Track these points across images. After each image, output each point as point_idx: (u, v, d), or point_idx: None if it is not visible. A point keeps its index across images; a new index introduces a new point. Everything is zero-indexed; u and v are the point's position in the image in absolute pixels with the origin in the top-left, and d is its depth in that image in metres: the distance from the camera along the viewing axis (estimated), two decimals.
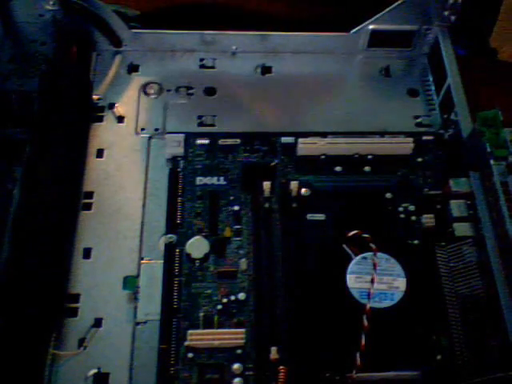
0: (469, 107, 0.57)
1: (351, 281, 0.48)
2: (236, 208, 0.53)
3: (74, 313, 0.49)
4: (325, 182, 0.54)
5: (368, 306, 0.47)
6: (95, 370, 0.47)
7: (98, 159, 0.57)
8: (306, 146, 0.55)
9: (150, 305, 0.49)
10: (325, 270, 0.49)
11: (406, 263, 0.49)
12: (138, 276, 0.51)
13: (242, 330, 0.47)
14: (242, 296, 0.49)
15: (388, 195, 0.54)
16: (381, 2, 0.62)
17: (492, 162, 0.51)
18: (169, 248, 0.51)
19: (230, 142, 0.56)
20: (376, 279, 0.48)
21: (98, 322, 0.49)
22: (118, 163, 0.57)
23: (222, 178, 0.55)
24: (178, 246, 0.51)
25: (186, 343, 0.47)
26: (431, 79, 0.64)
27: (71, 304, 0.50)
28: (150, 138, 0.58)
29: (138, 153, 0.57)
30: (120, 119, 0.60)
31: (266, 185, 0.54)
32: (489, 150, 0.51)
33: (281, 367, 0.46)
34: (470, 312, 0.48)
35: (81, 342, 0.48)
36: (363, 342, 0.45)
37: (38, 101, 0.53)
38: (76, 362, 0.47)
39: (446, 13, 0.61)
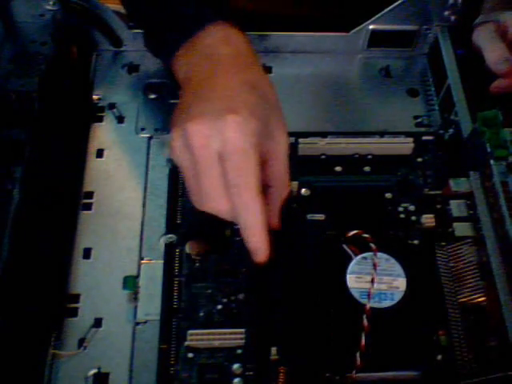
0: (469, 107, 0.57)
1: (351, 281, 0.48)
2: None
3: (74, 313, 0.49)
4: (325, 182, 0.54)
5: (368, 306, 0.47)
6: (95, 370, 0.47)
7: (98, 159, 0.57)
8: (306, 146, 0.55)
9: (150, 305, 0.49)
10: (325, 269, 0.49)
11: (406, 263, 0.49)
12: (138, 276, 0.51)
13: (242, 330, 0.47)
14: (242, 296, 0.49)
15: (388, 195, 0.54)
16: (381, 2, 0.62)
17: (492, 161, 0.51)
18: (169, 248, 0.51)
19: None
20: (376, 279, 0.48)
21: (98, 322, 0.49)
22: (118, 163, 0.57)
23: None
24: (178, 245, 0.51)
25: (186, 343, 0.47)
26: (431, 79, 0.64)
27: (71, 304, 0.50)
28: (150, 138, 0.58)
29: (138, 153, 0.57)
30: (120, 119, 0.60)
31: None
32: (489, 150, 0.51)
33: (281, 367, 0.46)
34: (470, 312, 0.48)
35: (81, 342, 0.48)
36: (363, 342, 0.45)
37: (38, 101, 0.53)
38: (76, 362, 0.47)
39: (446, 13, 0.61)
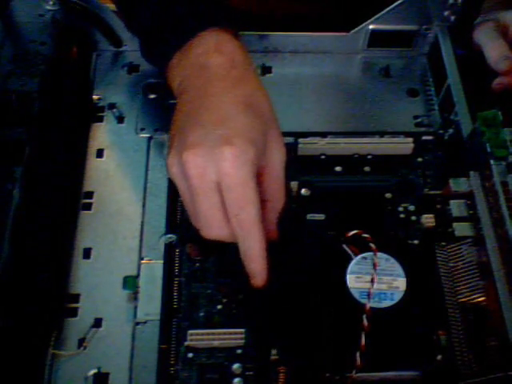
0: (469, 107, 0.57)
1: (351, 281, 0.48)
2: None
3: (74, 313, 0.49)
4: (325, 182, 0.54)
5: (368, 305, 0.47)
6: (95, 370, 0.47)
7: (98, 159, 0.57)
8: (306, 146, 0.55)
9: (150, 305, 0.49)
10: (325, 270, 0.49)
11: (406, 263, 0.49)
12: (137, 276, 0.51)
13: (242, 330, 0.47)
14: (242, 296, 0.49)
15: (388, 195, 0.54)
16: (381, 2, 0.62)
17: (492, 161, 0.51)
18: (169, 248, 0.51)
19: None
20: (376, 279, 0.48)
21: (98, 322, 0.49)
22: (118, 163, 0.57)
23: None
24: (178, 246, 0.51)
25: (186, 343, 0.47)
26: (431, 79, 0.64)
27: (71, 304, 0.50)
28: (149, 138, 0.58)
29: (138, 153, 0.58)
30: (120, 119, 0.60)
31: None
32: (489, 150, 0.51)
33: (281, 367, 0.46)
34: (470, 312, 0.48)
35: (81, 342, 0.48)
36: (363, 341, 0.45)
37: (38, 101, 0.53)
38: (76, 362, 0.47)
39: (446, 13, 0.61)
